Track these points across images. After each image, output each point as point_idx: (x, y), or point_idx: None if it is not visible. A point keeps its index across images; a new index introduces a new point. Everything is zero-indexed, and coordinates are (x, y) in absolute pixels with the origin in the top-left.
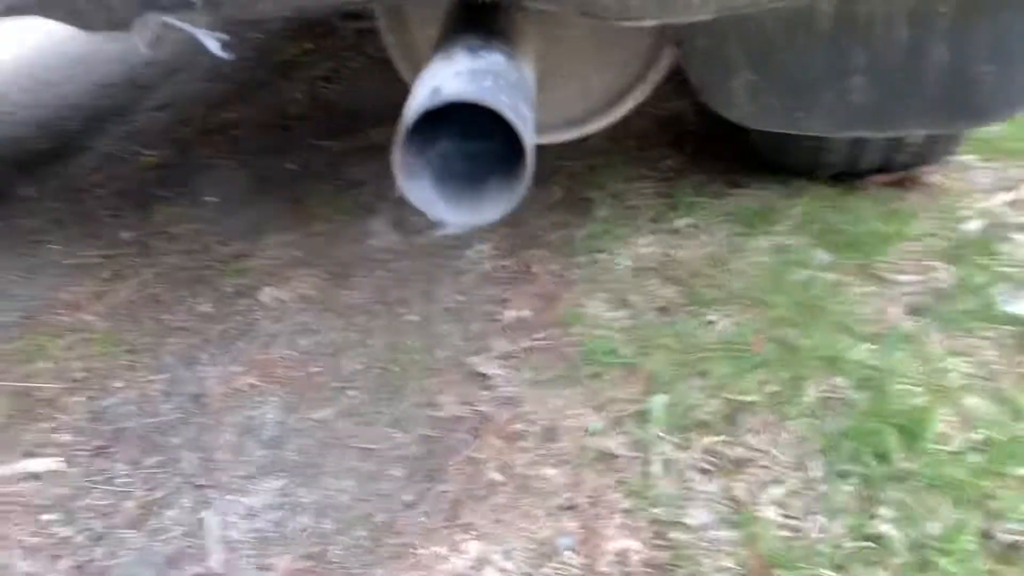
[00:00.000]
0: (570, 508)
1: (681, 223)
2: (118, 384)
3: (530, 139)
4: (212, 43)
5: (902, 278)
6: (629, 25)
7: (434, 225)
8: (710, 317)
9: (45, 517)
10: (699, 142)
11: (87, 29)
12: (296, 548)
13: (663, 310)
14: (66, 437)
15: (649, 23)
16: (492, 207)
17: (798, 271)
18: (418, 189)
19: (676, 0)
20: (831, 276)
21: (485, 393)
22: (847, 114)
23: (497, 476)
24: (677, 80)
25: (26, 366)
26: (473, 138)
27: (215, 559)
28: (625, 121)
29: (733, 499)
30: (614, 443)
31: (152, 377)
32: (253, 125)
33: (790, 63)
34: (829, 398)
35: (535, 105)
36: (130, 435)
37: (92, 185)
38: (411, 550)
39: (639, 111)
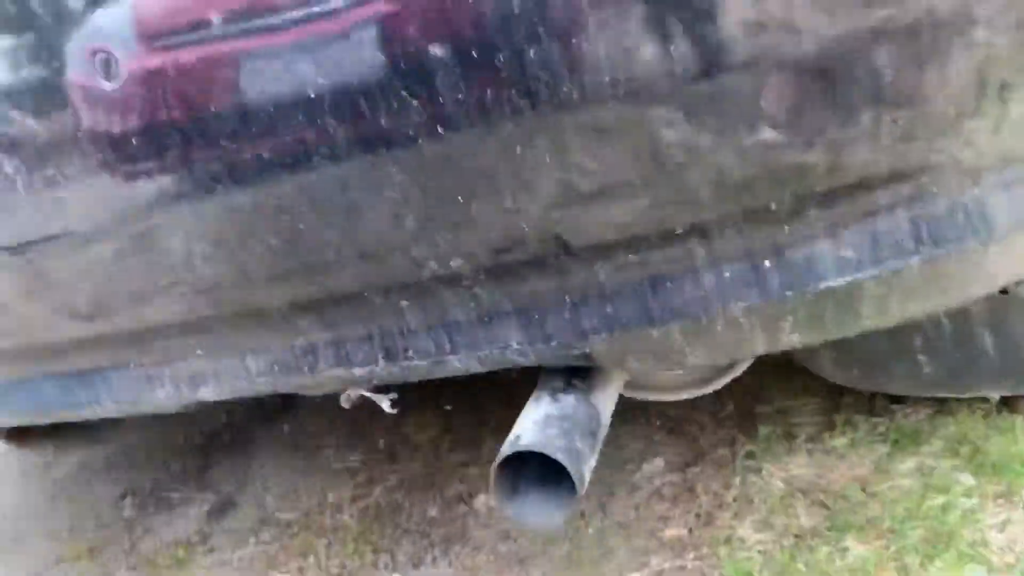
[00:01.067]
0: None
1: (837, 443)
2: None
3: (578, 473)
4: (386, 404)
5: None
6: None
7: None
8: (844, 544)
9: None
10: None
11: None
12: None
13: (801, 537)
14: None
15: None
16: (555, 518)
17: (937, 496)
18: (509, 505)
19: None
20: (970, 502)
21: None
22: (924, 382)
23: None
24: None
25: (299, 560)
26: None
27: None
28: None
29: None
30: None
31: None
32: None
33: (859, 345)
34: None
35: (597, 429)
36: None
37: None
38: None
39: None
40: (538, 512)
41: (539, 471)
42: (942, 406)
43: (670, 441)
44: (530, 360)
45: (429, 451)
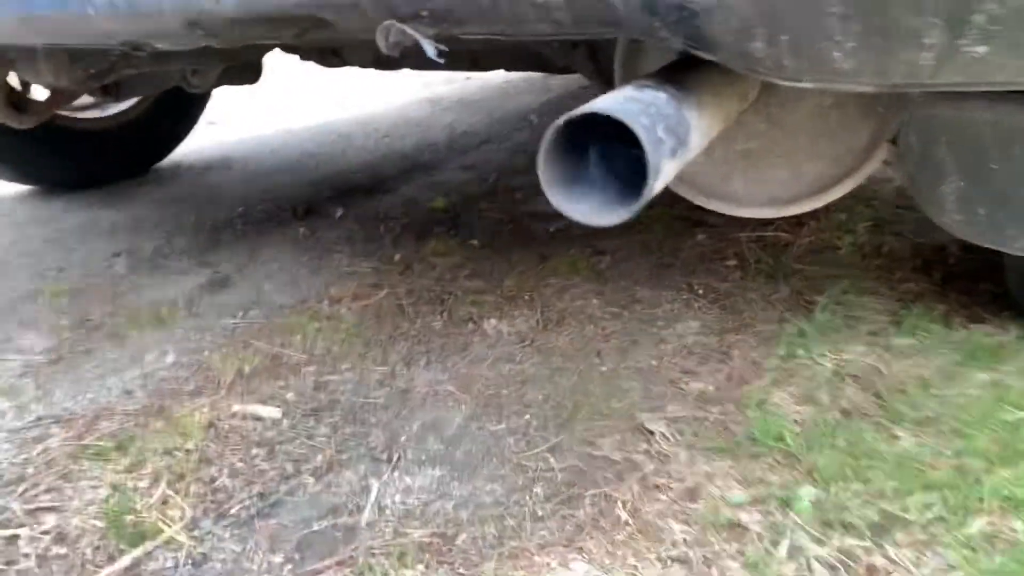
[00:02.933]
0: (683, 562)
1: (900, 342)
2: (346, 366)
3: (657, 154)
4: (430, 49)
5: None
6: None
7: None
8: (896, 432)
9: (255, 451)
10: (951, 273)
11: (345, 33)
12: (431, 526)
13: (848, 413)
14: (291, 396)
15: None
16: (616, 214)
17: (1012, 411)
18: (554, 185)
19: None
20: None
21: (643, 445)
22: None
23: (625, 516)
24: None
25: (285, 336)
26: (618, 155)
27: (365, 518)
28: (881, 242)
29: None
30: (749, 518)
31: (374, 368)
32: (534, 192)
33: (1002, 175)
34: (997, 536)
35: (685, 139)
36: (340, 407)
37: (387, 216)
38: (526, 554)
39: (904, 237)
40: (592, 208)
41: (602, 166)
42: None
43: (711, 309)
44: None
45: (446, 272)
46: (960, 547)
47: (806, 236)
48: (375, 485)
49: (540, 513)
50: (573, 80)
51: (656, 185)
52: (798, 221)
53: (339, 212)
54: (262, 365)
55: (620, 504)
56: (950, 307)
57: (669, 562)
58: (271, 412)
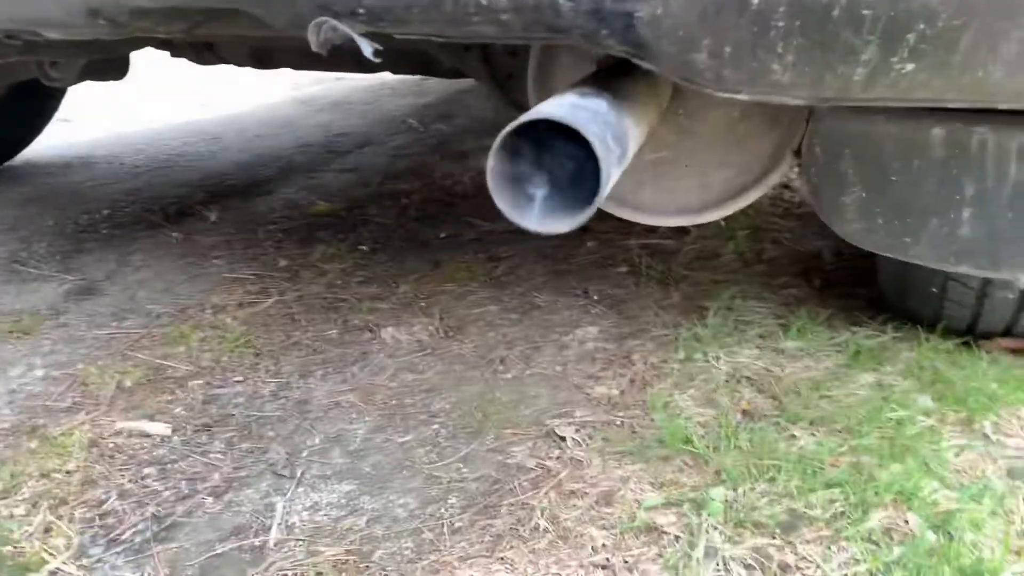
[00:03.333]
0: (604, 568)
1: (789, 345)
2: (237, 378)
3: (608, 164)
4: (367, 47)
5: (1008, 440)
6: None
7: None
8: (794, 432)
9: (145, 470)
10: (829, 279)
11: (273, 26)
12: (345, 544)
13: (748, 415)
14: (180, 411)
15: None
16: (565, 221)
17: (896, 409)
18: (503, 191)
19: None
20: (929, 421)
21: (555, 452)
22: (954, 246)
23: (544, 524)
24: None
25: (166, 348)
26: (564, 164)
27: (272, 537)
28: (760, 249)
29: None
30: (665, 520)
31: (267, 379)
32: (421, 197)
33: (902, 186)
34: (894, 529)
35: (626, 148)
36: (233, 421)
37: (267, 221)
38: (448, 567)
39: (782, 244)
40: (540, 216)
41: (542, 174)
42: (906, 334)
43: (608, 314)
44: (568, 20)
45: (337, 279)
46: (863, 541)
47: (690, 243)
48: (280, 503)
49: (458, 525)
50: (452, 84)
51: (604, 193)
52: (682, 229)
53: (213, 215)
54: (145, 378)
55: (538, 512)
56: (832, 311)
57: (592, 568)
58: (159, 428)
